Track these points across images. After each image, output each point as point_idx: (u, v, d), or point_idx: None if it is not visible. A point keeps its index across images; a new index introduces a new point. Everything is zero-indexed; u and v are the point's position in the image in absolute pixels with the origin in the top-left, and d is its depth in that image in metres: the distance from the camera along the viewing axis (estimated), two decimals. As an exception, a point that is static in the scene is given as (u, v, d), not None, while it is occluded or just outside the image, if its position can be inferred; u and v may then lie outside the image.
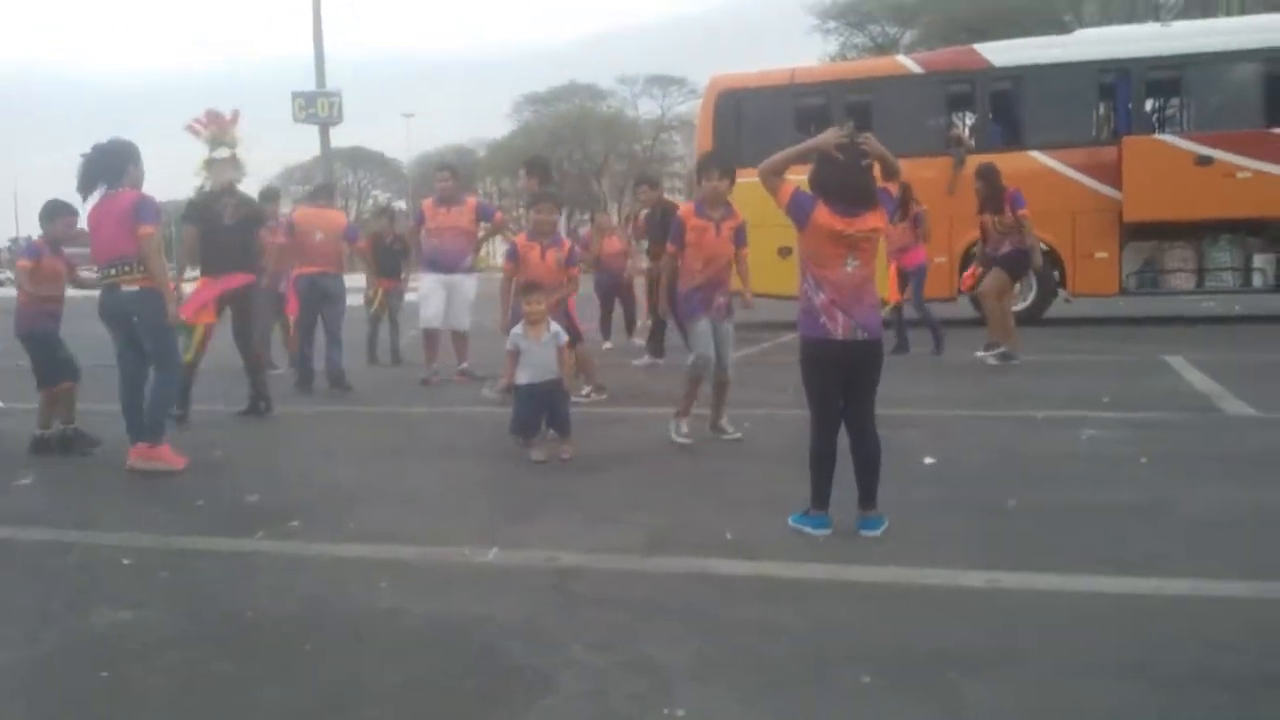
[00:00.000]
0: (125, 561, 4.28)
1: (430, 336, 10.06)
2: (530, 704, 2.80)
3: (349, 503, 5.21)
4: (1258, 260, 14.24)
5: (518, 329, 6.24)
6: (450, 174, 10.39)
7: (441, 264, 10.03)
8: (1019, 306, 14.71)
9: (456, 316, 10.13)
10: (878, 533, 4.30)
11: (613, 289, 13.36)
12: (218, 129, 7.96)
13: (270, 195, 11.83)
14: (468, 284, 10.13)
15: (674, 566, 4.01)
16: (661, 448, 6.34)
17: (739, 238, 6.49)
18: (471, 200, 10.51)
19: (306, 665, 3.15)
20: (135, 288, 6.02)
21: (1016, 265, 10.12)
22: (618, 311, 13.43)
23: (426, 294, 10.07)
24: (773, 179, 4.38)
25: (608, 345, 12.69)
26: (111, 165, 6.10)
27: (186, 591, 3.96)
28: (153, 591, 3.93)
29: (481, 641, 3.26)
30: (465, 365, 10.14)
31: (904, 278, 11.38)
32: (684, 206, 6.86)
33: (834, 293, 4.27)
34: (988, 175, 10.18)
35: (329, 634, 3.38)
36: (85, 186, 6.13)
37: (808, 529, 4.35)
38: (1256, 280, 14.32)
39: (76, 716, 2.91)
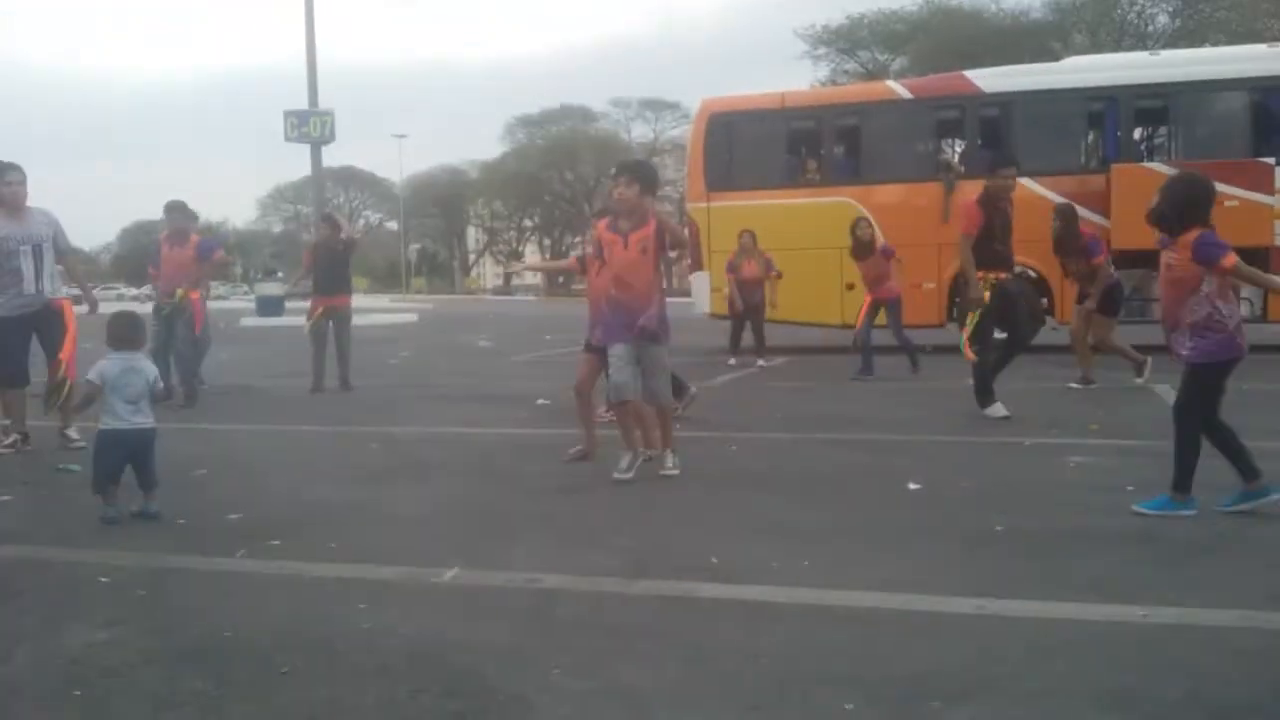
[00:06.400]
0: (103, 579, 4.22)
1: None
2: (508, 728, 2.76)
3: (331, 523, 5.16)
4: (1243, 290, 14.24)
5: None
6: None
7: None
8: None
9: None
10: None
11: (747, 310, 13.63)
12: None
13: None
14: None
15: (656, 590, 3.97)
16: (643, 471, 6.29)
17: (666, 243, 5.95)
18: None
19: (282, 685, 3.10)
20: None
21: (1110, 304, 10.45)
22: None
23: None
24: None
25: (731, 362, 13.20)
26: None
27: (164, 610, 3.90)
28: (129, 610, 3.87)
29: (460, 664, 3.22)
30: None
31: (876, 307, 11.94)
32: (600, 221, 6.39)
33: None
34: (1065, 216, 10.43)
35: (306, 654, 3.33)
36: None
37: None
38: (1244, 310, 14.30)
39: (46, 737, 2.86)
